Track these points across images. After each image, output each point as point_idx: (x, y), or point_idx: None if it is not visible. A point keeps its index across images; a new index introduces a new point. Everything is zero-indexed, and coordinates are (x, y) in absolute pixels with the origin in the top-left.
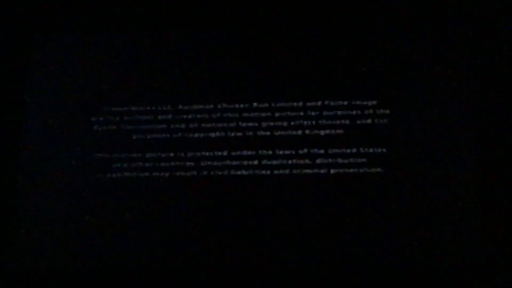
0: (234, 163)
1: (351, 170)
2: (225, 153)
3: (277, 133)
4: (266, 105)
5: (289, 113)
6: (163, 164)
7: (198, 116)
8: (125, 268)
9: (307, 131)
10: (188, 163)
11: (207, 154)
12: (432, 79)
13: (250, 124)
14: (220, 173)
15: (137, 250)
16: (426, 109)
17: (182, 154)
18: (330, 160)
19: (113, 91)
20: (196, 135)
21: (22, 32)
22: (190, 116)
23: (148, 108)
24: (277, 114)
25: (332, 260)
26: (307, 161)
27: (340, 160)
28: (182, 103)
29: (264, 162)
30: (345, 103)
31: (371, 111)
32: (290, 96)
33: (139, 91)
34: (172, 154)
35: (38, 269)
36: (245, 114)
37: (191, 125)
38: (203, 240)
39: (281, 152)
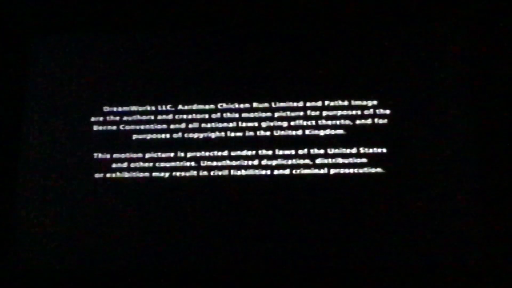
0: (234, 163)
1: (351, 170)
2: (225, 153)
3: (277, 133)
4: (266, 105)
5: (289, 113)
6: (163, 164)
7: (198, 116)
8: (125, 268)
9: (307, 131)
10: (188, 163)
11: (207, 154)
12: (432, 79)
13: (250, 124)
14: (220, 173)
15: (137, 250)
16: (426, 109)
17: (182, 154)
18: (330, 160)
19: (113, 91)
20: (196, 135)
21: (22, 32)
22: (190, 116)
23: (148, 108)
24: (277, 114)
25: (332, 260)
26: (307, 161)
27: (340, 160)
28: (182, 103)
29: (264, 162)
30: (345, 103)
31: (371, 111)
32: (290, 96)
33: (139, 91)
34: (172, 154)
35: (38, 269)
36: (245, 114)
37: (191, 125)
38: (203, 240)
39: (281, 152)
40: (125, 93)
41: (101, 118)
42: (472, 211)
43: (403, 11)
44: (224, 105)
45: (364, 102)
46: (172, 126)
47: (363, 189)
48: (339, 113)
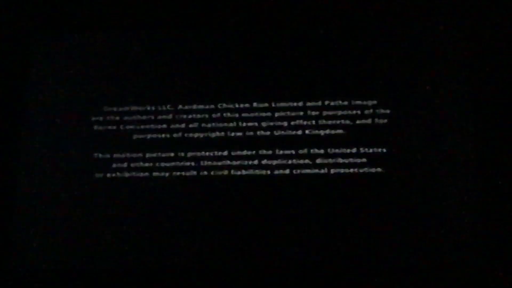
0: (234, 163)
1: (351, 170)
2: (225, 153)
3: (277, 133)
4: (266, 105)
5: (289, 113)
6: (163, 164)
7: (198, 116)
8: (125, 268)
9: (307, 131)
10: (188, 163)
11: (207, 154)
12: (432, 79)
13: (250, 124)
14: (220, 173)
15: (137, 250)
16: (426, 109)
17: (182, 154)
18: (330, 160)
19: (113, 91)
20: (196, 135)
21: (22, 32)
22: (190, 116)
23: (148, 108)
24: (277, 114)
25: (332, 260)
26: (307, 161)
27: (340, 160)
28: (182, 103)
29: (264, 162)
30: (345, 103)
31: (371, 111)
32: (290, 96)
33: (139, 91)
34: (172, 154)
35: (38, 269)
36: (245, 114)
37: (191, 125)
38: (203, 240)
39: (281, 152)
40: (125, 93)
41: (101, 118)
42: (472, 211)
43: (403, 11)
44: (224, 105)
45: (364, 102)
46: (172, 126)
47: (363, 189)
48: (339, 113)
